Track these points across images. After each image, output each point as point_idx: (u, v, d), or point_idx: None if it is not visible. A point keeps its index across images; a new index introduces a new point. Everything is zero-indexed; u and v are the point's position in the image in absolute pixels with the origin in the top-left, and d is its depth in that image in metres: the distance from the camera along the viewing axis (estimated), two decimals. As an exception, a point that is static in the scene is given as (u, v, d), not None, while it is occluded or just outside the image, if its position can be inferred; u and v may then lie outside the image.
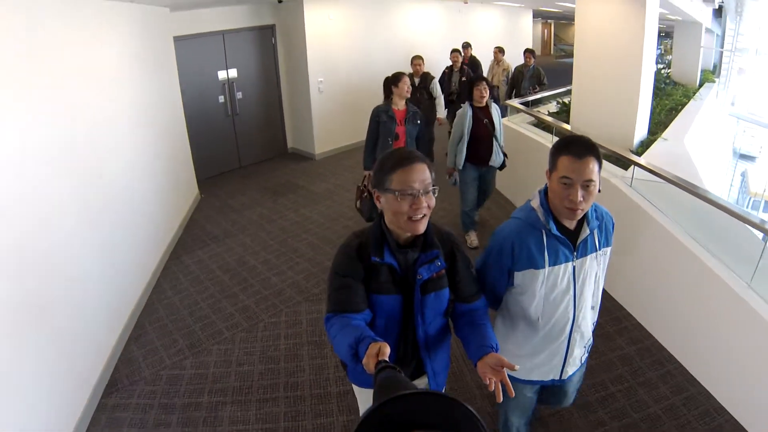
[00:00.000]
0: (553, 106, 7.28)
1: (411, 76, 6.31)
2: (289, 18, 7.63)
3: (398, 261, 1.64)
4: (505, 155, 4.79)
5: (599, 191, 1.74)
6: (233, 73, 7.31)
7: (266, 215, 5.97)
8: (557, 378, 2.09)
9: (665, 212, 3.73)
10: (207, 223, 5.84)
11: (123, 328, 3.78)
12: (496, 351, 1.62)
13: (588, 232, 1.84)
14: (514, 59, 9.27)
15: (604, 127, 5.32)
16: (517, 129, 6.10)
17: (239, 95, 7.44)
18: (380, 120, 4.39)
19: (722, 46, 13.84)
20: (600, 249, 1.90)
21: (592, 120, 5.50)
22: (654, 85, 10.05)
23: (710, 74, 12.58)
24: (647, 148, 5.42)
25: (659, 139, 5.89)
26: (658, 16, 5.53)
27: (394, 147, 4.18)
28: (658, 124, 6.89)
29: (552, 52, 27.10)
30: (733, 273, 3.06)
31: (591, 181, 1.69)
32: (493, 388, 1.45)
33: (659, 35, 19.90)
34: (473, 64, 8.40)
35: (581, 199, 1.69)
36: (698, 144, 6.70)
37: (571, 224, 1.85)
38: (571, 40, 25.01)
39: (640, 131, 5.63)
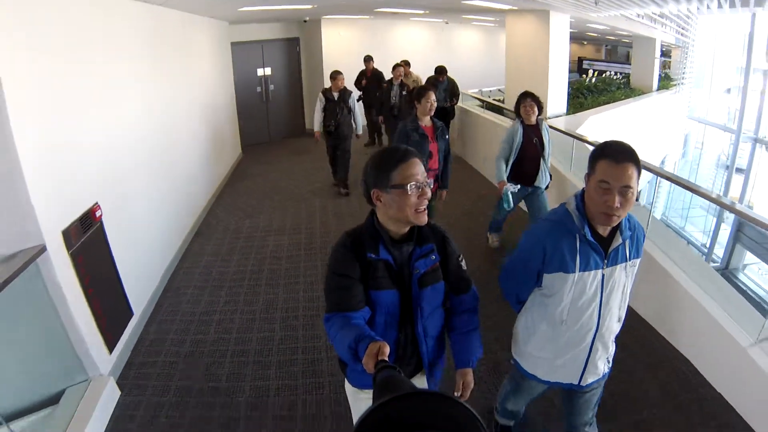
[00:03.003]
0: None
1: (329, 90, 6.56)
2: (310, 33, 10.41)
3: (393, 256, 1.67)
4: (550, 176, 4.63)
5: (637, 199, 1.71)
6: (268, 71, 10.09)
7: (289, 165, 8.56)
8: (576, 382, 2.07)
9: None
10: (248, 167, 8.49)
11: (202, 209, 6.27)
12: (474, 365, 1.82)
13: (620, 241, 1.81)
14: (494, 73, 11.56)
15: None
16: (472, 111, 8.51)
17: (272, 87, 10.19)
18: (411, 139, 4.05)
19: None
20: (630, 260, 1.87)
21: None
22: (601, 86, 12.40)
23: (669, 82, 14.79)
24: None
25: (569, 115, 8.33)
26: (566, 31, 7.95)
27: (429, 166, 4.06)
28: (585, 109, 9.41)
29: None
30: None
31: (629, 187, 1.65)
32: (459, 393, 1.76)
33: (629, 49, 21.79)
34: (376, 77, 8.67)
35: (618, 205, 1.66)
36: (602, 121, 9.01)
37: (604, 231, 1.81)
38: (566, 58, 27.40)
39: (555, 109, 8.01)
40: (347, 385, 1.95)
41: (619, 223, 1.80)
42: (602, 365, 2.05)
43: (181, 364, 3.56)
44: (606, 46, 27.52)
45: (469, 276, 1.89)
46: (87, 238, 3.17)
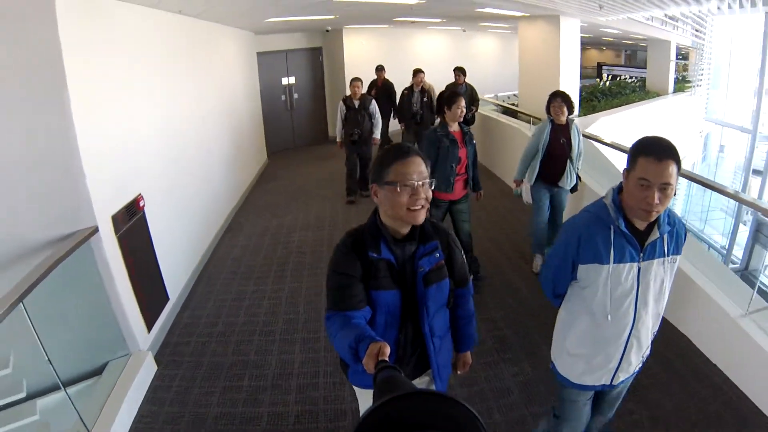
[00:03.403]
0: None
1: (349, 98, 6.57)
2: (332, 43, 10.87)
3: (395, 256, 1.68)
4: (578, 178, 4.61)
5: (675, 194, 1.71)
6: (292, 80, 10.57)
7: (313, 170, 8.98)
8: (608, 383, 2.06)
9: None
10: (274, 171, 8.92)
11: (231, 208, 6.68)
12: (471, 349, 2.06)
13: (658, 235, 1.81)
14: (509, 79, 11.84)
15: (537, 104, 7.98)
16: (491, 116, 8.70)
17: (296, 96, 10.66)
18: (441, 145, 4.07)
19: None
20: (668, 255, 1.86)
21: (529, 102, 8.20)
22: (615, 89, 12.52)
23: (684, 85, 14.85)
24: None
25: (580, 117, 8.57)
26: (577, 35, 8.20)
27: (456, 172, 4.14)
28: (598, 110, 9.64)
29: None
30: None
31: (669, 184, 1.66)
32: (461, 371, 2.04)
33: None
34: (386, 87, 8.60)
35: (657, 201, 1.67)
36: (613, 123, 9.20)
37: (641, 225, 1.82)
38: (586, 63, 27.20)
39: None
40: (354, 386, 2.01)
41: (657, 218, 1.79)
42: (635, 361, 2.03)
43: (213, 343, 3.90)
44: (626, 51, 27.51)
45: (467, 270, 1.96)
46: (131, 224, 3.55)
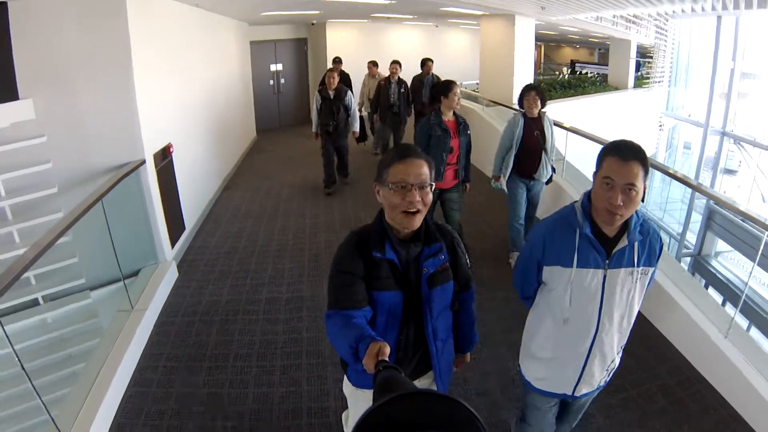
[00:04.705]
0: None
1: (325, 89, 6.44)
2: (316, 34, 12.08)
3: (399, 256, 1.66)
4: (553, 169, 4.63)
5: (642, 200, 1.68)
6: (280, 66, 11.74)
7: (298, 144, 10.20)
8: (569, 393, 2.03)
9: (492, 116, 7.74)
10: (263, 146, 10.14)
11: (229, 171, 7.84)
12: (471, 349, 2.08)
13: (626, 243, 1.76)
14: (474, 70, 12.97)
15: (494, 90, 9.25)
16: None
17: (282, 81, 11.84)
18: (433, 134, 4.13)
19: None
20: (639, 266, 1.80)
21: (488, 88, 9.46)
22: (574, 82, 13.65)
23: (643, 81, 16.07)
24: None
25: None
26: (531, 32, 9.42)
27: (448, 161, 4.22)
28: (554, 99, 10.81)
29: (541, 69, 30.04)
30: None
31: (633, 185, 1.63)
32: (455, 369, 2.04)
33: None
34: (342, 78, 8.33)
35: (620, 203, 1.64)
36: (562, 109, 10.45)
37: (610, 231, 1.78)
38: (560, 60, 28.48)
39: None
40: (346, 384, 1.96)
41: (628, 225, 1.76)
42: (599, 376, 1.99)
43: (222, 259, 5.11)
44: (599, 49, 28.56)
45: (470, 273, 1.93)
46: (163, 164, 4.72)
